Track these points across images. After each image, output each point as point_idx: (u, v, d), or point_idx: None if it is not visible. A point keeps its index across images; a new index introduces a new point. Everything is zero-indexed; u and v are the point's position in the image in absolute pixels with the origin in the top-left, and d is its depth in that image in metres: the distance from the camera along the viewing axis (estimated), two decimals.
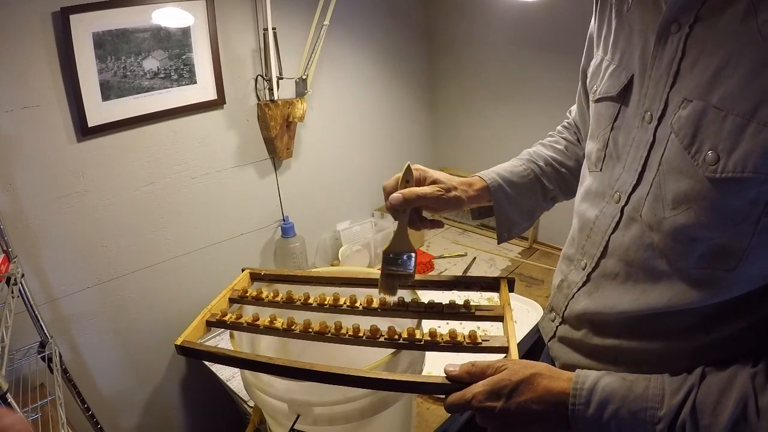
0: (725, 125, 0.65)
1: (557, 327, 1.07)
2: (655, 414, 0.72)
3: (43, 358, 1.54)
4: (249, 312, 1.12)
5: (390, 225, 2.50)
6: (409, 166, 1.01)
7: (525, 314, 1.95)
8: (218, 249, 2.11)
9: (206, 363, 1.82)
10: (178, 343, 1.01)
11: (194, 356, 1.02)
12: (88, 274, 1.78)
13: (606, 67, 0.91)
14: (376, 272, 1.15)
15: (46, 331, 1.56)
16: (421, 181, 1.04)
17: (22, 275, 1.44)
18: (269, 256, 2.31)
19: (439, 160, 2.92)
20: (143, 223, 1.88)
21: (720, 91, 0.66)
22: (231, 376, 1.76)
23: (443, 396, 0.86)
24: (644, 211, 0.80)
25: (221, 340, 1.96)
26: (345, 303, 1.08)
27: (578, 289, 0.99)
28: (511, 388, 0.79)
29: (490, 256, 2.48)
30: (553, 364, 1.08)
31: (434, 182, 1.03)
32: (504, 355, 0.92)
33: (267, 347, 1.33)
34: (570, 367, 0.99)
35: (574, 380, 0.78)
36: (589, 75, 1.00)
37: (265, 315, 1.07)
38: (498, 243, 1.16)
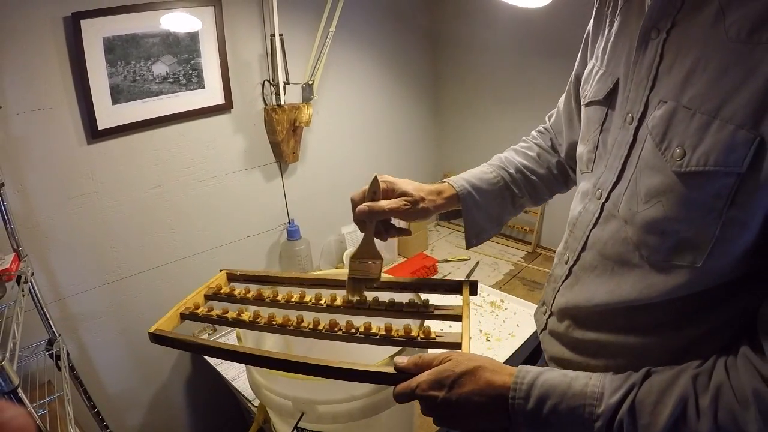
0: (692, 123, 0.69)
1: (547, 319, 1.09)
2: (593, 411, 0.74)
3: (51, 356, 1.57)
4: (230, 309, 1.15)
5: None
6: (376, 177, 1.03)
7: (527, 318, 1.96)
8: (225, 251, 2.13)
9: (211, 363, 1.84)
10: (151, 331, 1.04)
11: (166, 344, 1.04)
12: (96, 274, 1.81)
13: (596, 73, 0.95)
14: (343, 274, 1.17)
15: (54, 329, 1.59)
16: (389, 193, 1.04)
17: (32, 274, 1.47)
18: (275, 258, 2.34)
19: (443, 164, 2.94)
20: (151, 225, 1.91)
21: (690, 91, 0.70)
22: (236, 376, 1.78)
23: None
24: (621, 206, 0.83)
25: (227, 340, 1.98)
26: (311, 300, 1.11)
27: (562, 283, 1.02)
28: (453, 379, 0.81)
29: (493, 261, 2.50)
30: (543, 356, 1.11)
31: (402, 194, 1.03)
32: (457, 351, 0.92)
33: (272, 347, 1.35)
34: (556, 359, 1.03)
35: (515, 375, 0.80)
36: (582, 81, 1.03)
37: (234, 310, 1.12)
38: (466, 248, 1.17)
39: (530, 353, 1.89)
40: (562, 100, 1.22)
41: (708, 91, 0.67)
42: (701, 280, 0.74)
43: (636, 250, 0.81)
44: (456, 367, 0.82)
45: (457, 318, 1.04)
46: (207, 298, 1.21)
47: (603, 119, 0.91)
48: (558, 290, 1.03)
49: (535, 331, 1.84)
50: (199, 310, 1.13)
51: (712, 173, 0.66)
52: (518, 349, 1.82)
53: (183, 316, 1.13)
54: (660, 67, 0.76)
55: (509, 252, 2.59)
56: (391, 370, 0.87)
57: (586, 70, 1.01)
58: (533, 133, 1.31)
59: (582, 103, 1.00)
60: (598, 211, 0.90)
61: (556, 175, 1.24)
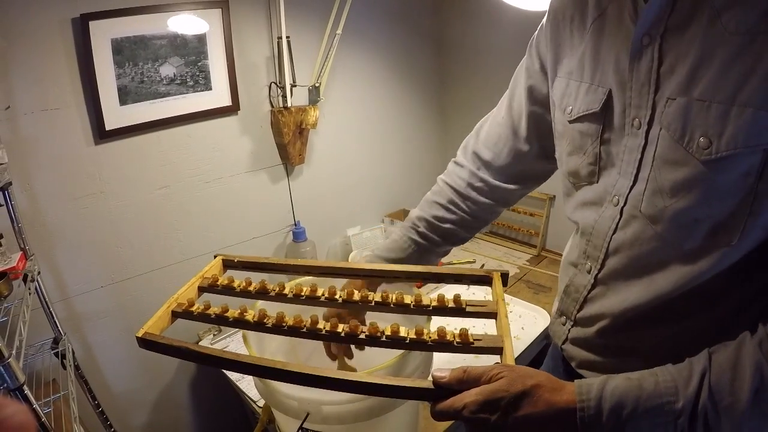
0: (710, 113, 0.71)
1: (569, 330, 1.08)
2: (672, 408, 0.69)
3: (56, 354, 1.57)
4: (225, 302, 1.02)
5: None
6: None
7: (533, 321, 1.96)
8: (230, 252, 2.07)
9: None
10: (139, 335, 0.92)
11: (155, 350, 0.92)
12: (102, 274, 1.82)
13: (577, 88, 0.95)
14: (357, 264, 1.13)
15: (60, 328, 1.60)
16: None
17: (39, 273, 1.47)
18: None
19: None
20: (157, 225, 1.92)
21: (700, 86, 0.73)
22: (241, 376, 1.78)
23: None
24: (643, 206, 0.84)
25: (232, 341, 1.99)
26: (323, 294, 1.00)
27: (588, 292, 1.00)
28: (508, 400, 0.73)
29: (498, 263, 2.49)
30: (569, 366, 1.09)
31: None
32: (498, 356, 0.85)
33: (278, 344, 1.34)
34: (587, 364, 1.02)
35: (577, 392, 0.74)
36: (557, 99, 1.02)
37: (235, 306, 0.99)
38: None
39: (536, 355, 1.89)
40: (495, 114, 1.26)
41: (718, 82, 0.70)
42: (735, 256, 0.76)
43: (666, 245, 0.82)
44: (510, 386, 0.73)
45: (492, 315, 0.94)
46: (201, 290, 1.09)
47: (600, 131, 0.91)
48: (584, 300, 1.02)
49: (540, 334, 1.85)
50: (193, 308, 1.00)
51: (741, 154, 0.70)
52: (523, 351, 1.82)
53: (175, 315, 1.01)
54: (661, 70, 0.78)
55: (514, 255, 2.59)
56: (429, 385, 0.78)
57: (559, 88, 1.01)
58: (449, 167, 1.32)
59: (567, 119, 0.98)
60: (618, 216, 0.90)
61: (474, 211, 1.26)
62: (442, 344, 0.87)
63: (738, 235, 0.74)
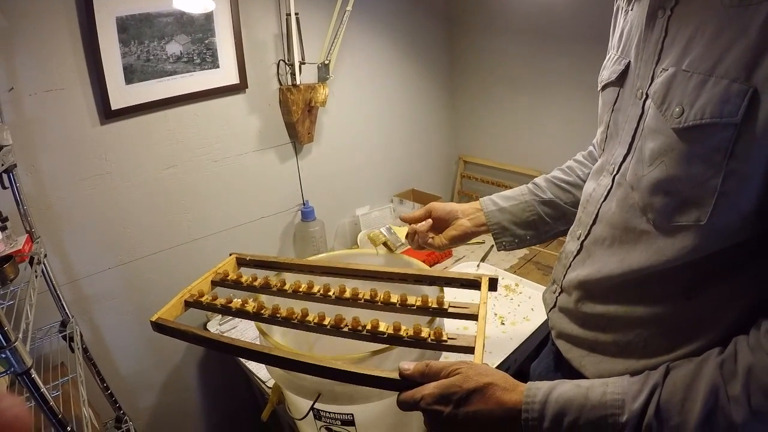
0: (690, 83, 0.72)
1: (557, 297, 1.09)
2: (617, 421, 0.71)
3: (64, 338, 1.57)
4: (237, 296, 1.16)
5: (408, 210, 2.50)
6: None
7: (542, 302, 1.95)
8: (239, 232, 2.13)
9: None
10: (153, 320, 1.07)
11: (168, 334, 1.06)
12: (109, 255, 1.81)
13: (611, 59, 0.98)
14: (356, 264, 1.22)
15: (67, 311, 1.59)
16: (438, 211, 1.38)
17: (45, 255, 1.46)
18: (289, 239, 2.33)
19: (458, 148, 2.90)
20: (165, 206, 1.90)
21: (689, 56, 0.73)
22: None
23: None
24: (628, 173, 0.85)
25: (240, 321, 1.98)
26: (318, 291, 1.11)
27: (573, 258, 1.02)
28: (461, 395, 0.78)
29: None
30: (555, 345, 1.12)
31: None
32: (470, 355, 0.90)
33: (283, 332, 1.37)
34: (565, 335, 1.04)
35: (525, 393, 0.78)
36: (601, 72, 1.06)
37: (239, 299, 1.13)
38: (497, 249, 1.31)
39: (544, 337, 1.88)
40: None
41: (704, 54, 0.71)
42: (708, 240, 0.74)
43: (643, 215, 0.82)
44: (464, 382, 0.79)
45: (473, 317, 1.01)
46: (214, 284, 1.23)
47: (615, 100, 0.94)
48: (569, 266, 1.04)
49: None
50: (203, 298, 1.14)
51: (709, 126, 0.69)
52: (533, 332, 1.81)
53: (188, 304, 1.15)
54: (665, 42, 0.79)
55: None
56: (395, 375, 0.85)
57: (604, 61, 1.03)
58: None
59: (598, 89, 1.03)
60: (610, 184, 0.92)
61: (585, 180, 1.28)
62: (418, 341, 0.96)
63: (707, 214, 0.71)
